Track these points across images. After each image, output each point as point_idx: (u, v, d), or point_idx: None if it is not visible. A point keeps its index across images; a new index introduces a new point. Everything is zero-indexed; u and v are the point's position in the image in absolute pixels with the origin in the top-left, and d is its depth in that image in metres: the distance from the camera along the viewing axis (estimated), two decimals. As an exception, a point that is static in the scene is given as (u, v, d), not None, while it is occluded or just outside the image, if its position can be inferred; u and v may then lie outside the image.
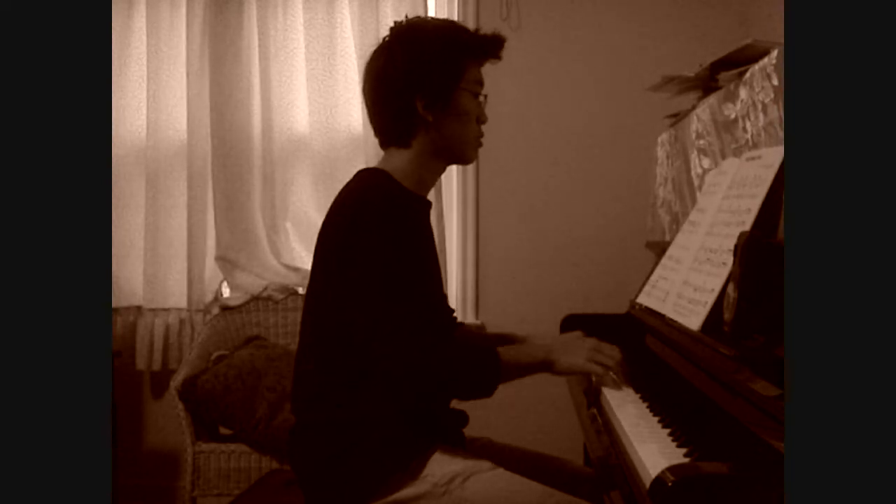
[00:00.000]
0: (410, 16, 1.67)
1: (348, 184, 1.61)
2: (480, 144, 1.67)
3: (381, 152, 1.66)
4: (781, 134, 1.52)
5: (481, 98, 1.64)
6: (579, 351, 1.59)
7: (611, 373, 1.60)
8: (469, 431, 1.72)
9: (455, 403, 1.70)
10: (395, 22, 1.64)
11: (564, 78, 3.14)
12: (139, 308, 3.20)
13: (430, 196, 1.73)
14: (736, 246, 1.34)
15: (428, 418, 1.59)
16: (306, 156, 3.16)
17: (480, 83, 1.64)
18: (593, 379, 1.71)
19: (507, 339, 1.87)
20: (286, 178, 3.16)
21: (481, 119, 1.65)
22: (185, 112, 3.11)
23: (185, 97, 3.10)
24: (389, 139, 1.63)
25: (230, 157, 3.09)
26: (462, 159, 1.68)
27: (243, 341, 2.99)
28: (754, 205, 1.45)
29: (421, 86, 1.56)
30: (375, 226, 1.48)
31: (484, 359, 1.50)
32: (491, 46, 1.63)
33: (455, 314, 1.91)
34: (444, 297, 1.87)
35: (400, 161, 1.62)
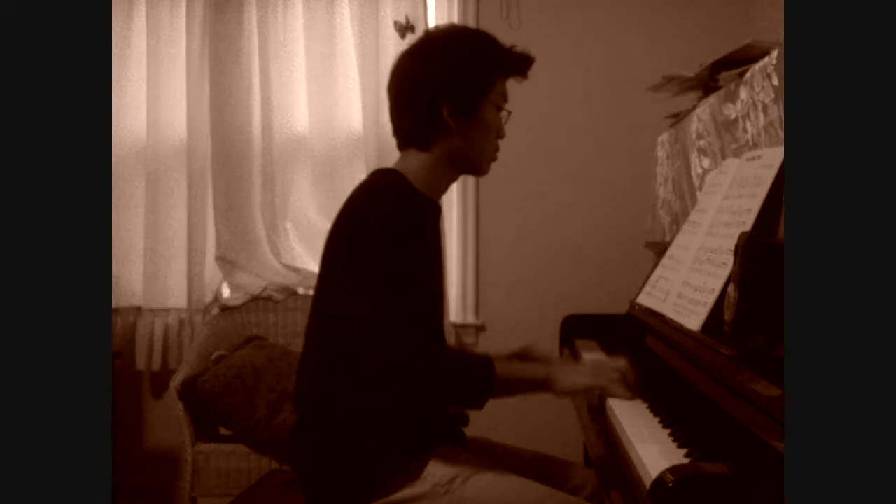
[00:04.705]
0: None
1: (361, 183, 1.60)
2: (496, 158, 1.66)
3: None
4: (781, 134, 1.52)
5: (503, 113, 1.64)
6: (582, 369, 1.59)
7: (617, 383, 1.52)
8: (469, 431, 1.72)
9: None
10: (429, 28, 1.63)
11: (564, 78, 3.13)
12: (139, 308, 3.20)
13: (432, 195, 1.72)
14: (736, 246, 1.34)
15: (428, 419, 1.58)
16: (306, 156, 3.15)
17: (505, 98, 1.64)
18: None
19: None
20: (286, 178, 3.16)
21: (500, 134, 1.64)
22: (185, 112, 3.11)
23: (185, 97, 3.10)
24: (409, 141, 1.63)
25: (230, 157, 3.08)
26: (476, 171, 1.67)
27: (243, 341, 2.98)
28: (754, 205, 1.45)
29: (450, 92, 1.56)
30: (385, 224, 1.47)
31: (477, 370, 1.47)
32: (521, 64, 1.64)
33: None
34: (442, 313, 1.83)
35: (416, 164, 1.61)
